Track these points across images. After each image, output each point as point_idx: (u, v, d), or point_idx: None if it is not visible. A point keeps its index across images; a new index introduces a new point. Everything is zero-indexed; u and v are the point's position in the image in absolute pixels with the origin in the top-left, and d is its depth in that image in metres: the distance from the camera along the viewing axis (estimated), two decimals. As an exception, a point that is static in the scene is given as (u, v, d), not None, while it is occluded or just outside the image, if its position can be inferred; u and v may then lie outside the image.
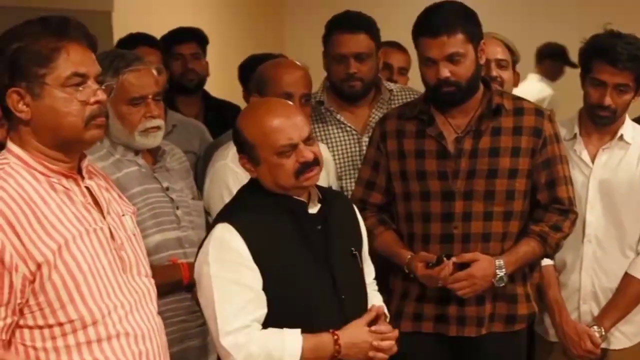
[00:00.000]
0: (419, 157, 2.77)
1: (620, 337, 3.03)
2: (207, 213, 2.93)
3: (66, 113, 1.89)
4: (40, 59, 1.86)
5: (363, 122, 3.28)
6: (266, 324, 2.23)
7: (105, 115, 1.96)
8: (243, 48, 6.26)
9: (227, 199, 2.75)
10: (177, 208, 2.75)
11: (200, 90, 4.15)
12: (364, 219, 2.80)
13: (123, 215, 2.06)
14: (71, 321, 1.84)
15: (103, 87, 1.93)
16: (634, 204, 2.97)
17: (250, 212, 2.27)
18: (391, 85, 3.42)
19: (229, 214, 2.29)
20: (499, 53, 3.30)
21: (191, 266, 2.67)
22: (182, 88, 4.01)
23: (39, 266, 1.80)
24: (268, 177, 2.27)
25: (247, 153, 2.28)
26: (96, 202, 1.98)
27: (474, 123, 2.74)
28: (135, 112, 2.60)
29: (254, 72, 3.72)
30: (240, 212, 2.28)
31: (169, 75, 3.75)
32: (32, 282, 1.81)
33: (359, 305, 2.39)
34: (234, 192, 2.73)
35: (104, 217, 1.97)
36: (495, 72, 3.21)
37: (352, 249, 2.40)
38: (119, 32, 4.40)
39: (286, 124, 2.24)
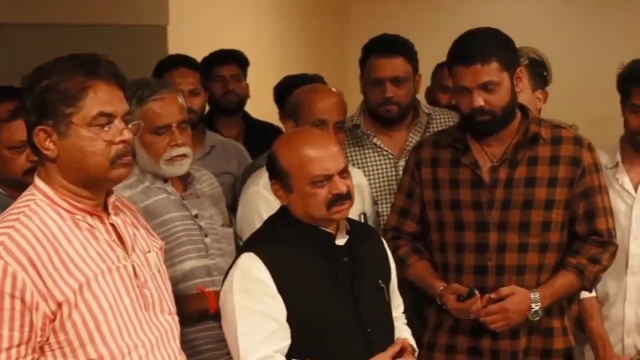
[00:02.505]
0: (454, 186, 2.72)
1: (665, 372, 2.95)
2: (239, 238, 2.92)
3: (92, 152, 1.89)
4: (67, 98, 1.88)
5: (400, 146, 3.25)
6: (289, 356, 2.20)
7: (132, 153, 1.96)
8: (304, 64, 6.30)
9: (258, 225, 2.74)
10: (206, 235, 2.74)
11: (240, 112, 4.16)
12: (398, 247, 2.78)
13: (148, 251, 2.06)
14: None
15: (129, 127, 1.93)
16: (679, 234, 2.89)
17: (277, 241, 2.26)
18: (430, 109, 3.38)
19: (255, 243, 2.28)
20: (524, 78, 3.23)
21: (218, 294, 2.66)
22: (223, 109, 4.03)
23: (59, 305, 1.81)
24: (299, 205, 2.26)
25: (281, 180, 2.28)
26: (121, 239, 1.98)
27: (510, 152, 2.68)
28: (160, 140, 2.60)
29: (290, 93, 3.74)
30: (267, 241, 2.27)
31: (209, 96, 3.77)
32: (53, 320, 1.82)
33: (385, 339, 2.35)
34: (265, 218, 2.72)
35: (128, 255, 1.97)
36: None
37: (379, 281, 2.36)
38: (174, 46, 4.49)
39: (323, 154, 2.23)
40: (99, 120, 1.89)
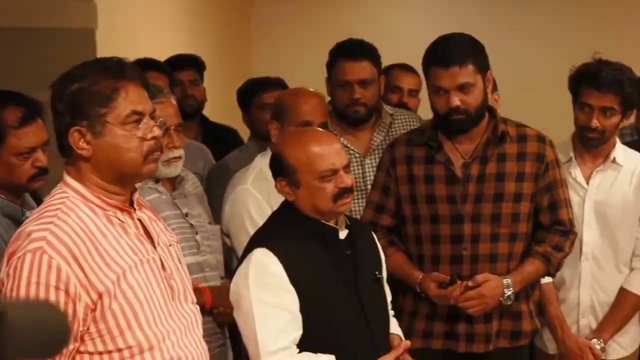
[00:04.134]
0: (429, 182, 2.89)
1: (617, 348, 3.20)
2: (225, 235, 3.03)
3: (127, 149, 1.98)
4: (101, 99, 1.96)
5: (365, 145, 3.40)
6: (300, 344, 2.33)
7: (161, 149, 2.06)
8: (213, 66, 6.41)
9: (247, 223, 2.86)
10: (197, 233, 2.84)
11: (198, 115, 4.24)
12: None
13: (170, 245, 2.15)
14: (129, 347, 1.94)
15: (158, 123, 2.03)
16: (627, 223, 3.14)
17: (286, 236, 2.38)
18: (391, 109, 3.54)
19: (265, 239, 2.39)
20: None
21: (213, 290, 2.77)
22: (182, 113, 4.09)
23: (100, 295, 1.90)
24: (307, 200, 2.38)
25: (288, 177, 2.39)
26: (147, 233, 2.07)
27: (480, 149, 2.87)
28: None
29: (253, 96, 3.86)
30: (276, 236, 2.39)
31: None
32: (94, 310, 1.90)
33: (384, 327, 2.52)
34: (254, 215, 2.84)
35: (154, 248, 2.07)
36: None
37: (377, 272, 2.52)
38: (103, 50, 4.43)
39: (329, 150, 2.37)
40: (131, 118, 1.98)
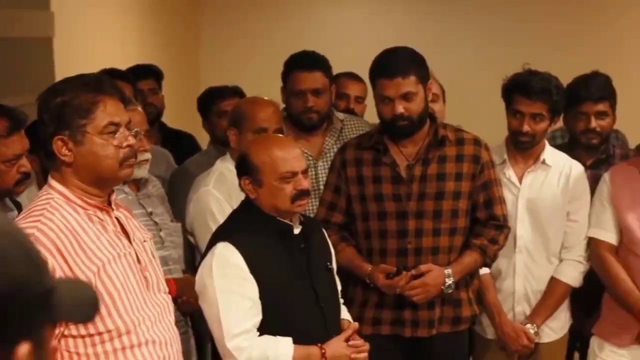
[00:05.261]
0: (376, 182, 3.16)
1: (549, 332, 3.48)
2: (189, 234, 3.27)
3: (105, 156, 2.20)
4: (81, 111, 2.18)
5: (317, 148, 3.66)
6: (260, 328, 2.59)
7: (136, 156, 2.29)
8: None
9: (210, 221, 3.10)
10: (161, 230, 3.07)
11: (158, 122, 4.46)
12: (328, 236, 3.19)
13: (144, 241, 2.38)
14: (109, 331, 2.16)
15: (133, 133, 2.26)
16: (556, 218, 3.43)
17: (246, 232, 2.63)
18: (341, 115, 3.80)
19: (228, 234, 2.64)
20: (433, 89, 3.73)
21: (177, 281, 3.01)
22: None
23: None
24: (267, 199, 2.64)
25: (252, 176, 2.64)
26: (124, 230, 2.30)
27: (422, 152, 3.14)
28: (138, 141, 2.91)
29: (212, 104, 4.09)
30: (238, 232, 2.64)
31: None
32: None
33: (335, 313, 2.79)
34: (217, 214, 3.08)
35: (130, 243, 2.29)
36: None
37: (328, 264, 2.79)
38: (60, 58, 4.58)
39: (290, 155, 2.64)
40: (108, 128, 2.20)
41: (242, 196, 2.75)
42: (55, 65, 4.55)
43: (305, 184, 2.64)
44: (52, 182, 2.24)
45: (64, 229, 2.14)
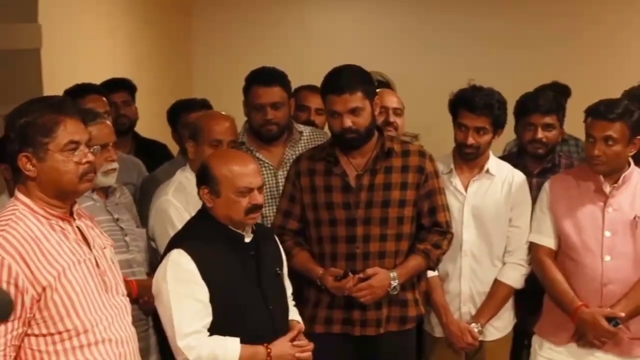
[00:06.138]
0: (328, 191, 3.37)
1: (493, 331, 3.70)
2: (151, 239, 3.48)
3: (65, 172, 2.40)
4: (44, 131, 2.37)
5: (278, 158, 3.85)
6: (211, 329, 2.80)
7: (94, 171, 2.50)
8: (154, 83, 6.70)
9: (169, 228, 3.31)
10: (126, 235, 3.30)
11: (131, 132, 4.67)
12: (283, 242, 3.38)
13: (104, 248, 2.59)
14: (68, 330, 2.36)
15: (92, 151, 2.47)
16: (499, 224, 3.64)
17: (200, 239, 2.84)
18: (301, 127, 4.00)
19: (182, 241, 2.85)
20: (395, 102, 4.01)
21: (139, 283, 3.22)
22: (116, 130, 4.50)
23: (43, 289, 2.31)
24: (223, 209, 2.85)
25: (211, 187, 2.85)
26: (84, 238, 2.50)
27: (370, 163, 3.36)
28: (99, 156, 3.04)
29: (180, 115, 4.29)
30: (192, 239, 2.85)
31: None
32: (38, 301, 2.31)
33: (283, 314, 3.01)
34: (175, 222, 3.29)
35: (90, 250, 2.50)
36: (392, 118, 3.92)
37: (277, 269, 3.01)
38: (48, 68, 4.73)
39: (248, 171, 2.86)
40: (69, 146, 2.40)
41: (199, 204, 2.97)
42: (43, 75, 4.71)
43: (259, 199, 2.87)
44: (18, 194, 2.44)
45: (27, 237, 2.33)
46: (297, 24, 7.73)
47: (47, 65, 4.80)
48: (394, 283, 3.33)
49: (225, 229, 2.88)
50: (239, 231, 2.91)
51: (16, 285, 2.28)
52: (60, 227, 2.44)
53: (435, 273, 3.65)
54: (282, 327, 2.96)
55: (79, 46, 5.52)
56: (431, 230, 3.43)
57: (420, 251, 3.39)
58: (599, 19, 7.37)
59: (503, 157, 3.98)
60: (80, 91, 4.08)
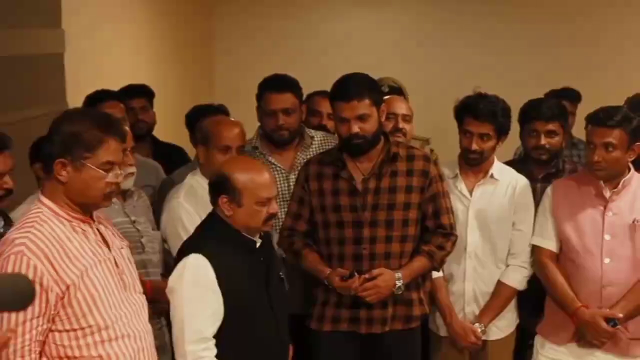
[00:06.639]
0: (335, 195, 3.50)
1: (496, 330, 3.81)
2: (164, 240, 3.62)
3: (94, 188, 2.53)
4: (87, 146, 2.50)
5: (290, 162, 3.98)
6: (220, 333, 2.89)
7: (118, 190, 2.61)
8: (178, 86, 6.83)
9: (180, 230, 3.42)
10: (142, 237, 3.44)
11: (149, 136, 4.83)
12: (293, 243, 3.53)
13: (122, 248, 2.72)
14: (90, 326, 2.49)
15: (123, 173, 2.61)
16: (502, 227, 3.75)
17: (216, 245, 2.92)
18: (313, 133, 4.11)
19: (200, 246, 2.92)
20: (404, 109, 4.12)
21: (153, 284, 3.34)
22: (134, 135, 4.64)
23: (67, 287, 2.44)
24: (243, 218, 2.95)
25: (232, 196, 2.93)
26: (104, 240, 2.63)
27: (376, 167, 3.48)
28: None
29: (198, 120, 4.44)
30: (209, 245, 2.92)
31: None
32: (62, 298, 2.44)
33: (284, 316, 3.13)
34: (187, 224, 3.40)
35: (109, 250, 2.62)
36: (401, 124, 4.03)
37: (281, 274, 3.15)
38: (71, 73, 4.87)
39: (269, 182, 2.97)
40: (105, 166, 2.53)
41: (208, 208, 3.09)
42: (66, 80, 4.86)
43: (276, 208, 3.00)
44: (42, 197, 2.56)
45: (52, 238, 2.46)
46: (313, 32, 7.94)
47: (70, 70, 4.94)
48: (399, 283, 3.45)
49: (240, 236, 2.98)
50: (252, 237, 3.01)
51: (41, 284, 2.40)
52: (82, 229, 2.56)
53: (440, 274, 3.76)
54: (283, 327, 3.07)
55: (101, 51, 5.64)
56: (435, 232, 3.54)
57: (425, 252, 3.51)
58: (610, 25, 7.47)
59: (508, 162, 4.07)
60: (99, 97, 4.23)
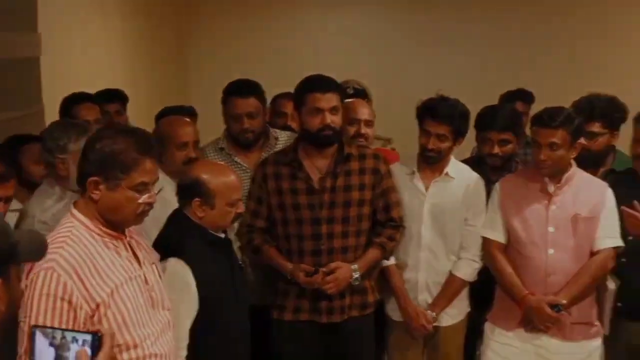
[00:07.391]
0: (294, 194, 3.70)
1: (447, 317, 4.02)
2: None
3: (126, 208, 2.48)
4: (122, 167, 2.44)
5: (255, 162, 4.09)
6: (199, 329, 2.96)
7: (150, 209, 2.55)
8: (152, 88, 6.95)
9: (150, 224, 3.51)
10: None
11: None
12: (253, 239, 3.72)
13: (153, 263, 2.68)
14: (119, 345, 2.42)
15: (156, 192, 2.55)
16: (455, 222, 3.94)
17: (194, 248, 2.98)
18: (277, 133, 4.25)
19: (179, 250, 2.94)
20: (366, 114, 4.22)
21: None
22: None
23: (97, 305, 2.38)
24: (214, 219, 3.05)
25: (204, 199, 3.02)
26: (135, 255, 2.58)
27: (331, 167, 3.68)
28: None
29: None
30: (187, 249, 2.96)
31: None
32: (92, 317, 2.37)
33: (246, 302, 3.27)
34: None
35: (140, 267, 2.57)
36: (363, 130, 4.14)
37: (240, 263, 3.37)
38: (47, 77, 4.96)
39: (237, 184, 3.13)
40: (139, 187, 2.48)
41: (166, 203, 3.17)
42: (42, 83, 4.97)
43: (242, 207, 3.18)
44: (74, 211, 2.51)
45: (83, 255, 2.40)
46: (289, 32, 8.13)
47: (46, 74, 5.02)
48: (356, 275, 3.68)
49: (210, 234, 3.09)
50: (218, 234, 3.15)
51: (70, 302, 2.33)
52: (114, 244, 2.50)
53: (393, 261, 3.95)
54: (246, 317, 3.22)
55: (77, 55, 5.73)
56: (386, 225, 3.78)
57: (377, 244, 3.75)
58: (579, 27, 7.69)
59: (464, 160, 4.24)
60: (75, 99, 4.34)
